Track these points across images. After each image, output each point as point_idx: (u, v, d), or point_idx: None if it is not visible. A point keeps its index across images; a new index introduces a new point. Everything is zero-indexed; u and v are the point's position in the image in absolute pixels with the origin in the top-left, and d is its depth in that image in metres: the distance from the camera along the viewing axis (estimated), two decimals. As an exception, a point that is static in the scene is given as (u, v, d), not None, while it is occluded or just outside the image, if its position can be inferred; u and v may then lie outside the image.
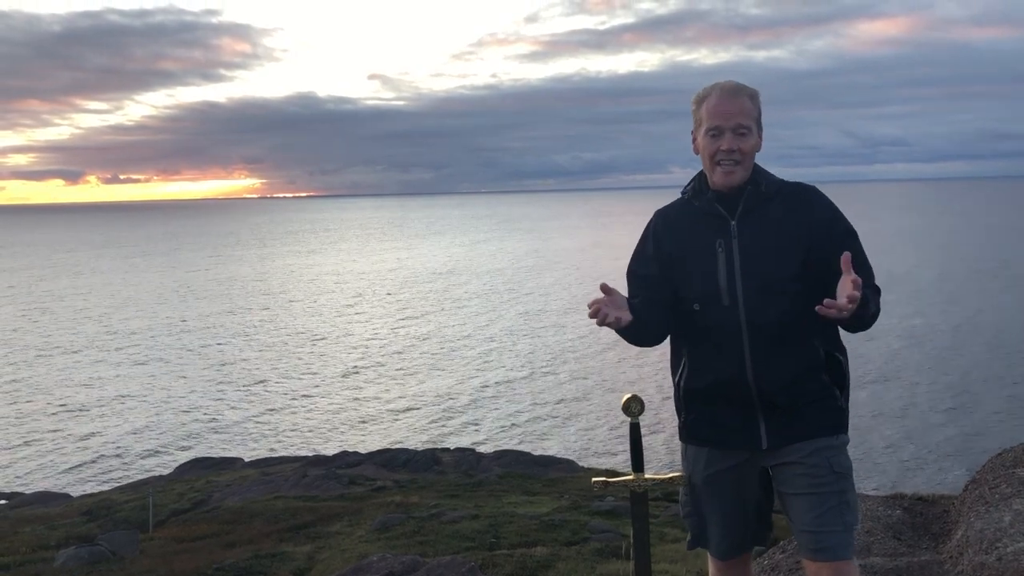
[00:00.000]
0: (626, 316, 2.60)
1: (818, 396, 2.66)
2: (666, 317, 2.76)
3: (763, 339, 2.61)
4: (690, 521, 2.92)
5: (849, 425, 2.75)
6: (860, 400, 31.10)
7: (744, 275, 2.62)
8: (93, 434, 31.88)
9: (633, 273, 2.83)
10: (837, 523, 2.62)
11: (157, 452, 29.74)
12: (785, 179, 2.75)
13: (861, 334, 2.59)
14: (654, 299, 2.74)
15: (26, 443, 30.87)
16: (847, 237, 2.65)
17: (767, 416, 2.65)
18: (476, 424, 32.32)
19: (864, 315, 2.47)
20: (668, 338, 2.84)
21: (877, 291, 2.59)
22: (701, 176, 2.74)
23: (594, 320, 2.56)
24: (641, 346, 2.81)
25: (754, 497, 2.80)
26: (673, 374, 2.82)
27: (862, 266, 2.56)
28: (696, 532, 2.91)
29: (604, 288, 2.61)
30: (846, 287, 2.37)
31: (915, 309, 47.36)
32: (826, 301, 2.37)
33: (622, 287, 2.81)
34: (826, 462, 2.64)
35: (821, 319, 2.60)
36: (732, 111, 2.63)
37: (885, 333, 41.32)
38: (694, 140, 2.74)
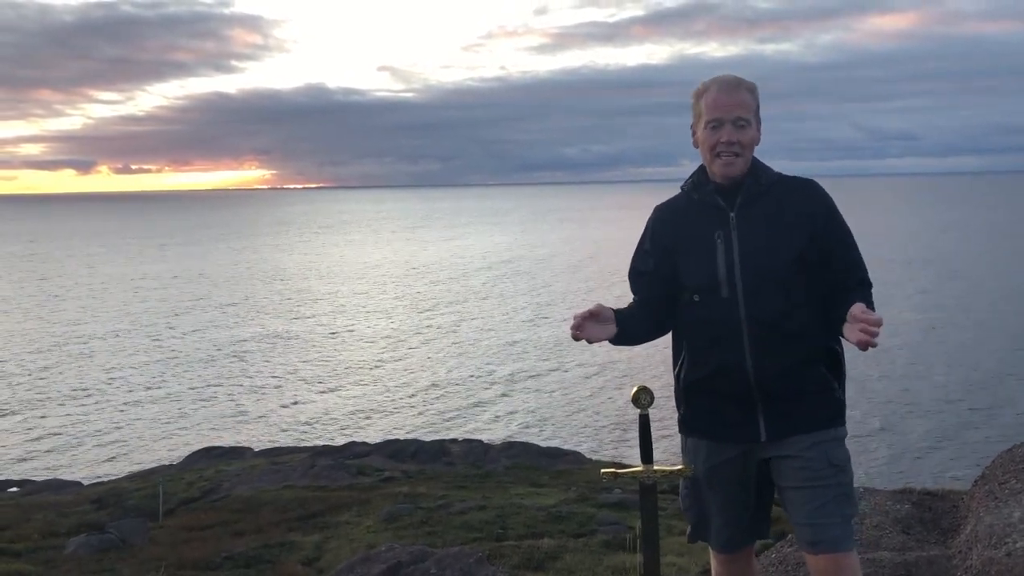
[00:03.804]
0: (607, 333, 2.71)
1: (817, 387, 2.68)
2: (661, 316, 2.83)
3: (761, 330, 2.63)
4: (690, 514, 2.94)
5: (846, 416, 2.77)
6: (870, 393, 31.05)
7: (743, 266, 2.65)
8: (104, 422, 32.05)
9: (634, 271, 2.89)
10: (835, 515, 2.63)
11: (167, 441, 29.87)
12: (784, 173, 2.79)
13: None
14: (651, 298, 2.82)
15: (38, 430, 31.05)
16: (841, 234, 2.72)
17: (766, 408, 2.67)
18: (485, 415, 32.37)
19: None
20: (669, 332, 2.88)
21: (869, 286, 2.68)
22: (701, 170, 2.78)
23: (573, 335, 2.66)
24: (633, 346, 2.91)
25: (753, 489, 2.82)
26: (673, 366, 2.84)
27: (855, 261, 2.70)
28: (696, 524, 2.94)
29: (594, 309, 2.68)
30: (855, 329, 2.45)
31: (937, 302, 46.91)
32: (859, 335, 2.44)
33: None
34: (824, 455, 2.66)
35: (821, 312, 2.67)
36: (732, 104, 2.67)
37: (907, 327, 41.02)
38: (694, 134, 2.78)
